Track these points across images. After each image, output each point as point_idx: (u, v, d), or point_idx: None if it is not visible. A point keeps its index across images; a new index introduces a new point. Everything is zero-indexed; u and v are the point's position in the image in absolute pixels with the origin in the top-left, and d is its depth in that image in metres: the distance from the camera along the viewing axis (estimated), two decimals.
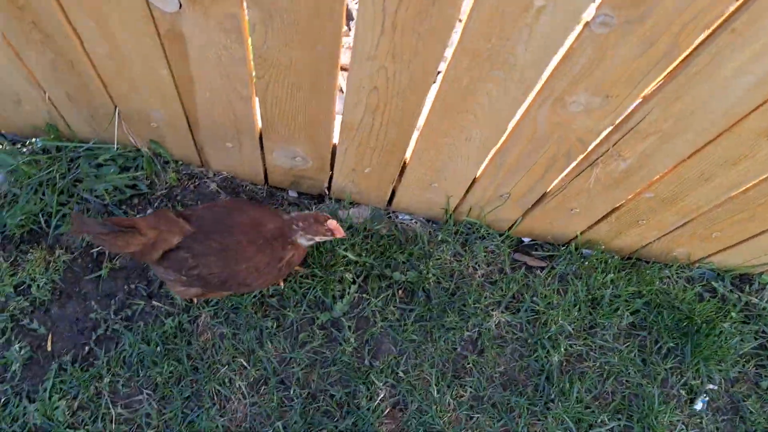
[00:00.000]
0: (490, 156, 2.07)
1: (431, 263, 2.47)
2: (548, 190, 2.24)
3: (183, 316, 2.26)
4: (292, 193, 2.59)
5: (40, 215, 2.32)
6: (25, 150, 2.40)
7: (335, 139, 2.15)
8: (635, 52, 1.48)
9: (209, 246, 1.80)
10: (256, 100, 1.95)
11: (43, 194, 2.35)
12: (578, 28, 1.46)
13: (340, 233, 1.85)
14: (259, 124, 2.11)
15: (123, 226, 1.68)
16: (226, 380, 2.21)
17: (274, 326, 2.30)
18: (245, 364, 2.24)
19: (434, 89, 1.75)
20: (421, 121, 1.90)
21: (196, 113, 2.07)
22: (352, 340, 2.32)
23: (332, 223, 1.86)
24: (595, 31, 1.44)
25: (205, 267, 1.80)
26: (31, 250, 2.27)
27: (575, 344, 2.47)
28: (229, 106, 1.98)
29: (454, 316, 2.41)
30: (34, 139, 2.43)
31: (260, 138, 2.19)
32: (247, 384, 2.22)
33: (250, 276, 1.87)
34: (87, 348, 2.19)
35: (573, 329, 2.49)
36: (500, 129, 1.87)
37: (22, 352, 2.13)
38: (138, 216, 2.37)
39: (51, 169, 2.37)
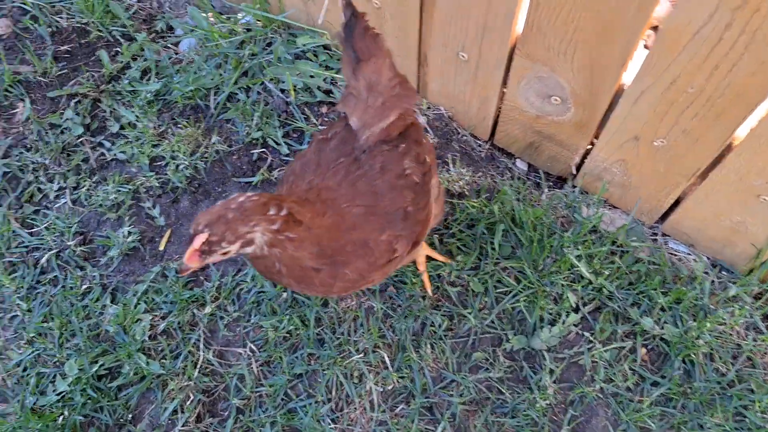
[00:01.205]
0: None
1: (707, 325, 1.62)
2: None
3: None
4: (521, 165, 1.93)
5: (212, 92, 1.95)
6: (227, 19, 2.07)
7: (627, 78, 1.45)
8: None
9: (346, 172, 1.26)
10: None
11: (225, 71, 1.98)
12: None
13: (186, 260, 1.05)
14: (519, 24, 1.49)
15: (358, 39, 1.26)
16: (356, 374, 1.60)
17: (444, 326, 1.64)
18: (387, 362, 1.61)
19: None
20: None
21: None
22: (550, 392, 1.57)
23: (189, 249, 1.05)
24: None
25: (319, 177, 1.26)
26: (185, 125, 1.89)
27: None
28: None
29: (725, 419, 1.54)
30: (239, 15, 2.09)
31: (511, 53, 1.58)
32: (382, 392, 1.59)
33: None
34: None
35: None
36: None
37: (130, 238, 1.75)
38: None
39: (244, 44, 2.01)
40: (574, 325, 1.66)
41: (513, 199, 1.77)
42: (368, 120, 1.28)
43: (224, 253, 1.06)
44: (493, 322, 1.66)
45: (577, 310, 1.67)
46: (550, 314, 1.66)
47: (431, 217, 1.41)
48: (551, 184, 1.89)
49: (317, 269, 1.18)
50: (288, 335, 1.63)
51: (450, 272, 1.69)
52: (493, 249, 1.71)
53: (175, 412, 1.56)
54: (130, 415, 1.57)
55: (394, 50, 1.85)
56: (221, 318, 1.66)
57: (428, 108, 1.97)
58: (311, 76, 1.96)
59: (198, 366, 1.61)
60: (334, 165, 1.27)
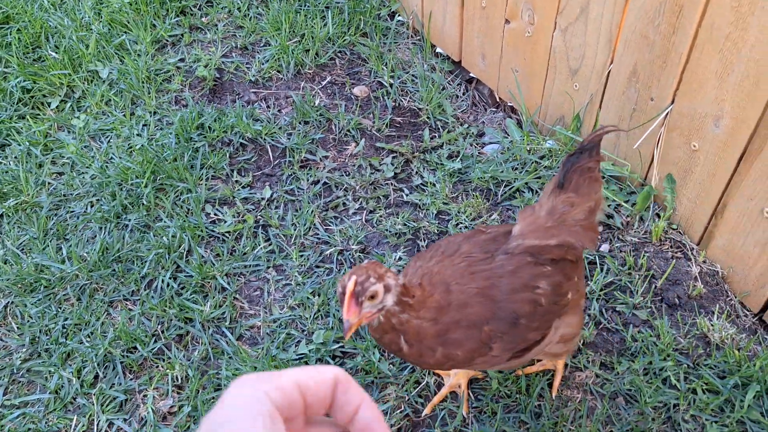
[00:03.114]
0: None
1: None
2: None
3: None
4: None
5: (503, 184, 2.26)
6: (532, 139, 2.42)
7: None
8: None
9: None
10: None
11: (520, 172, 2.29)
12: None
13: (346, 314, 1.12)
14: None
15: (574, 172, 1.42)
16: None
17: None
18: None
19: None
20: None
21: None
22: None
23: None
24: None
25: (437, 263, 1.37)
26: (476, 197, 2.20)
27: None
28: None
29: None
30: (545, 139, 2.43)
31: None
32: None
33: None
34: None
35: None
36: None
37: (400, 262, 2.02)
38: None
39: (543, 158, 2.31)
40: None
41: None
42: (527, 232, 1.38)
43: (372, 296, 1.11)
44: None
45: None
46: None
47: (546, 346, 1.42)
48: None
49: (433, 349, 1.24)
50: (507, 394, 1.70)
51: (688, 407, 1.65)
52: (741, 406, 1.64)
53: (384, 413, 1.69)
54: None
55: (691, 195, 1.98)
56: None
57: (704, 262, 2.02)
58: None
59: (420, 386, 1.74)
60: (467, 256, 1.34)
